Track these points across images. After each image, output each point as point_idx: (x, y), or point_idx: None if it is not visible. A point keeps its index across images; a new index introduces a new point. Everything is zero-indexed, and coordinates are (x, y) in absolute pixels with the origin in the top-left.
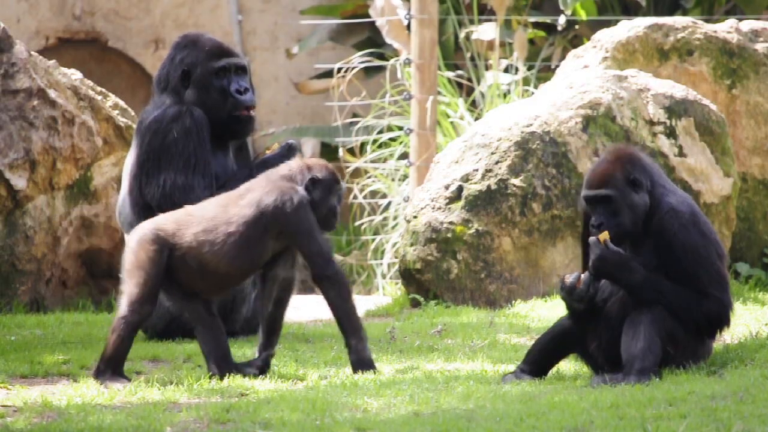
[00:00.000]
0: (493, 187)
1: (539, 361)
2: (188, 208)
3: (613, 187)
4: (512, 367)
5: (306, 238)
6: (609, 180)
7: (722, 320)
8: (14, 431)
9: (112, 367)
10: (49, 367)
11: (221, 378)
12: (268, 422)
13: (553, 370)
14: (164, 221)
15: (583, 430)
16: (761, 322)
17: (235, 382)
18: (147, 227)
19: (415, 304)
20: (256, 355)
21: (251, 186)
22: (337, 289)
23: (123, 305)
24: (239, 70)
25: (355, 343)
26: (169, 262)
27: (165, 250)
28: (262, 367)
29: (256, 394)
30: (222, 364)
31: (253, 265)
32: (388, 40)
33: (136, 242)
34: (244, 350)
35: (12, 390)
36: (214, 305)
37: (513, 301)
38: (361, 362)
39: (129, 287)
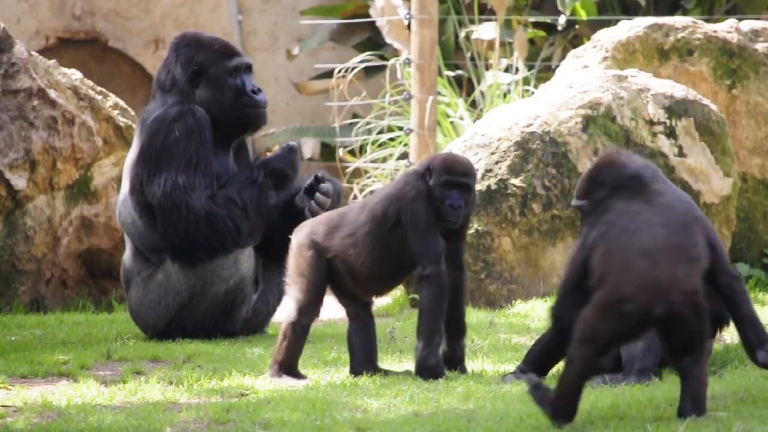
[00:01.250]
0: (493, 187)
1: (539, 361)
2: (340, 210)
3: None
4: (512, 367)
5: (414, 231)
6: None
7: (722, 319)
8: (14, 431)
9: (285, 369)
10: (49, 367)
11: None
12: (268, 422)
13: (553, 370)
14: (317, 224)
15: (583, 430)
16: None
17: (235, 382)
18: (303, 231)
19: (415, 304)
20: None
21: (388, 183)
22: (429, 292)
23: (291, 310)
24: (248, 69)
25: (421, 348)
26: (328, 265)
27: (322, 255)
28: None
29: (256, 394)
30: (360, 367)
31: (394, 265)
32: (388, 40)
33: (295, 248)
34: (243, 350)
35: (12, 390)
36: (371, 306)
37: (513, 301)
38: (423, 368)
39: (294, 293)
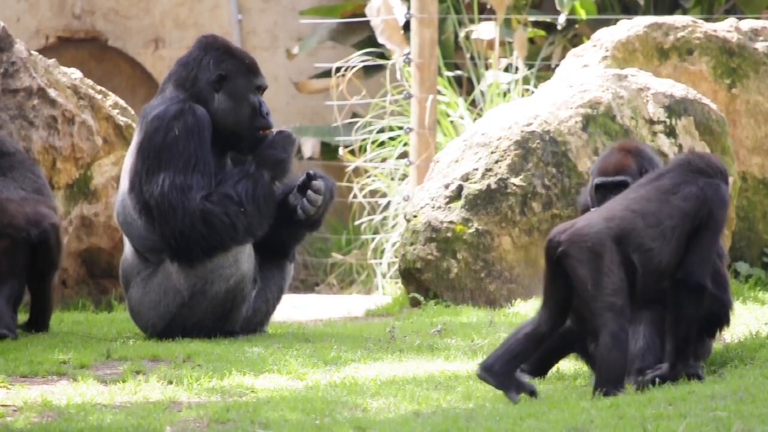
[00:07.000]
0: (493, 186)
1: (539, 360)
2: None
3: (629, 175)
4: None
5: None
6: (625, 168)
7: (722, 319)
8: (14, 431)
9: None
10: (49, 366)
11: (607, 394)
12: (268, 422)
13: (553, 369)
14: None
15: (583, 430)
16: (761, 321)
17: (234, 381)
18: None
19: (415, 303)
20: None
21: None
22: (692, 306)
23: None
24: (264, 89)
25: (676, 362)
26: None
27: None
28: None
29: (256, 394)
30: (612, 387)
31: None
32: (381, 40)
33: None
34: (243, 349)
35: (12, 389)
36: None
37: (513, 301)
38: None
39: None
